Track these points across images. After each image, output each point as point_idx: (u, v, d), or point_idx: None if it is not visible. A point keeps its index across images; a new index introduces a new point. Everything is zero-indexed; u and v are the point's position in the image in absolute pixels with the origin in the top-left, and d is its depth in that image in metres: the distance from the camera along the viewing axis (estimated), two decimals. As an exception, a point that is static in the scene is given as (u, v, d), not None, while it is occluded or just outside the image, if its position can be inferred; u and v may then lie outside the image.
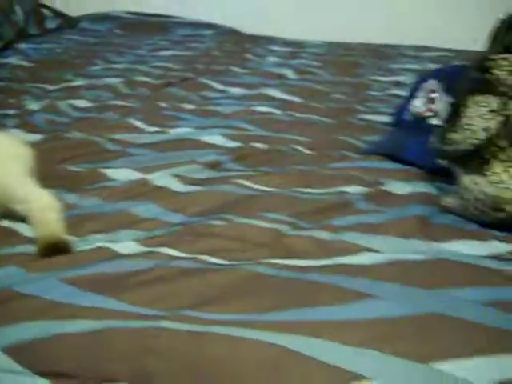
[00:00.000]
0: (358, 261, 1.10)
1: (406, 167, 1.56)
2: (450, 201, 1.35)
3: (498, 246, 1.18)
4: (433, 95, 1.71)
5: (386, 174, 1.50)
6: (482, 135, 1.27)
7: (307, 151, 1.71)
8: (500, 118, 1.27)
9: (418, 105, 1.73)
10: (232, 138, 1.77)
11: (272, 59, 2.95)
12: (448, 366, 0.85)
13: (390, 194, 1.39)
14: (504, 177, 1.28)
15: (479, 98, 1.34)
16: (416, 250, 1.14)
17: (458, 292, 0.99)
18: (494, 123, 1.26)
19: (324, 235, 1.20)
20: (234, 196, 1.38)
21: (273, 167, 1.58)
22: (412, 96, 1.77)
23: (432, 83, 1.74)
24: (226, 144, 1.75)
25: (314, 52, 3.12)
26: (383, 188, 1.42)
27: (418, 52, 3.09)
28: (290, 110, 2.09)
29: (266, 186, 1.42)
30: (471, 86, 1.38)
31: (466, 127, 1.31)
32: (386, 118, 1.94)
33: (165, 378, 0.87)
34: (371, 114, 2.06)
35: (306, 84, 2.49)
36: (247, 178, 1.48)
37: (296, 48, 3.23)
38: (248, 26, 3.62)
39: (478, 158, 1.32)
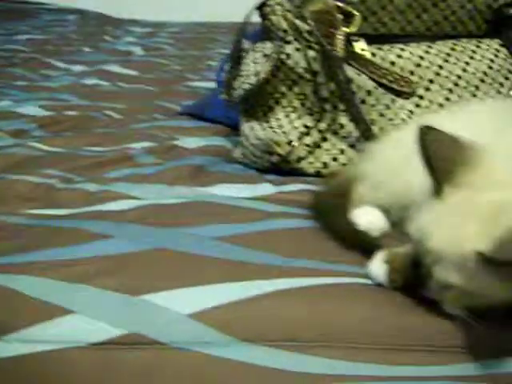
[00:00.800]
0: (115, 207, 1.07)
1: (210, 125, 1.53)
2: (236, 151, 1.33)
3: (266, 189, 1.15)
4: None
5: (185, 132, 1.48)
6: (253, 79, 1.24)
7: (118, 116, 1.65)
8: (272, 63, 1.24)
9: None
10: (47, 108, 1.72)
11: (127, 39, 2.89)
12: (157, 297, 0.82)
13: (178, 148, 1.37)
14: (284, 122, 1.26)
15: (258, 44, 1.31)
16: (176, 195, 1.10)
17: (197, 229, 0.96)
18: (265, 67, 1.24)
19: (93, 187, 1.16)
20: (20, 157, 1.32)
21: (76, 131, 1.52)
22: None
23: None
24: (38, 114, 1.68)
25: (171, 31, 3.08)
26: (174, 143, 1.39)
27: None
28: (120, 82, 2.03)
29: (54, 147, 1.38)
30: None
31: (242, 73, 1.28)
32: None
33: None
34: (201, 81, 2.03)
35: (150, 59, 2.46)
36: (42, 141, 1.42)
37: (156, 29, 3.18)
38: (118, 11, 3.54)
39: (262, 106, 1.29)
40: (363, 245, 0.92)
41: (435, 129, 0.79)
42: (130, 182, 1.19)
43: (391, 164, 1.01)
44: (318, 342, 0.79)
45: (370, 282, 0.85)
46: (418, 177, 0.84)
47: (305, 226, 0.99)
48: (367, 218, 0.97)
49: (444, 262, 0.74)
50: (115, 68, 2.27)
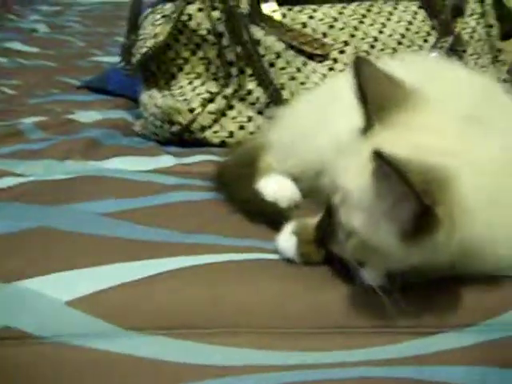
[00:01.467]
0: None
1: (111, 98, 1.41)
2: (137, 123, 1.20)
3: (166, 161, 1.03)
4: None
5: (82, 106, 1.35)
6: (151, 42, 1.12)
7: (12, 92, 1.51)
8: (172, 24, 1.11)
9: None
10: None
11: (33, 17, 2.72)
12: (33, 283, 0.71)
13: (73, 122, 1.24)
14: (187, 89, 1.14)
15: (158, 6, 1.19)
16: (66, 170, 0.98)
17: (84, 206, 0.85)
18: (164, 29, 1.11)
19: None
20: None
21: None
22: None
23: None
24: None
25: (80, 10, 2.92)
26: (69, 117, 1.26)
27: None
28: (19, 58, 1.89)
29: None
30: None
31: (141, 38, 1.16)
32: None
33: None
34: (106, 56, 1.89)
35: (54, 36, 2.30)
36: None
37: (64, 7, 3.02)
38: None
39: (164, 74, 1.17)
40: (271, 217, 0.81)
41: (370, 61, 0.71)
42: (17, 158, 1.06)
43: (301, 129, 0.91)
44: (219, 328, 0.68)
45: (278, 257, 0.74)
46: (330, 141, 0.75)
47: (207, 198, 0.88)
48: (275, 188, 0.87)
49: (349, 200, 0.65)
50: (17, 45, 2.12)
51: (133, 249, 0.75)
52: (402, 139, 0.66)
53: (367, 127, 0.68)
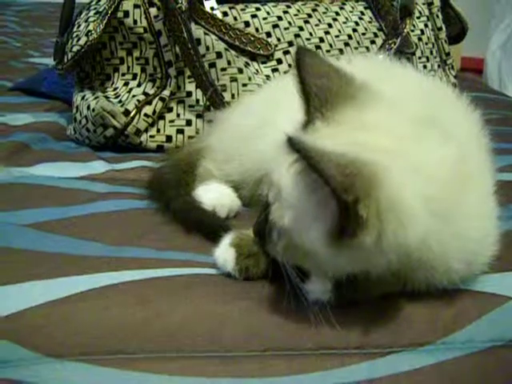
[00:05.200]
0: None
1: (44, 100, 1.32)
2: (70, 127, 1.12)
3: (97, 167, 0.95)
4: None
5: (13, 108, 1.26)
6: (84, 40, 1.04)
7: None
8: (105, 20, 1.04)
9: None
10: None
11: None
12: None
13: (2, 125, 1.14)
14: (122, 90, 1.07)
15: (92, 2, 1.12)
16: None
17: (4, 216, 0.76)
18: (97, 26, 1.04)
19: None
20: None
21: None
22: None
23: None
24: None
25: (18, 10, 2.82)
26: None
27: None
28: None
29: None
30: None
31: (74, 36, 1.08)
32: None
33: None
34: (42, 57, 1.80)
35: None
36: None
37: (2, 7, 2.91)
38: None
39: (99, 75, 1.10)
40: (208, 227, 0.74)
41: (314, 52, 0.66)
42: None
43: (240, 133, 0.84)
44: (148, 354, 0.60)
45: (216, 271, 0.68)
46: (270, 145, 0.66)
47: (138, 207, 0.81)
48: (214, 196, 0.80)
49: (281, 197, 0.60)
50: None
51: (57, 264, 0.68)
52: (342, 136, 0.60)
53: (308, 122, 0.62)
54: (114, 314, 0.63)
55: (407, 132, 0.62)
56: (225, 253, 0.68)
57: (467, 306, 0.65)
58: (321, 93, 0.63)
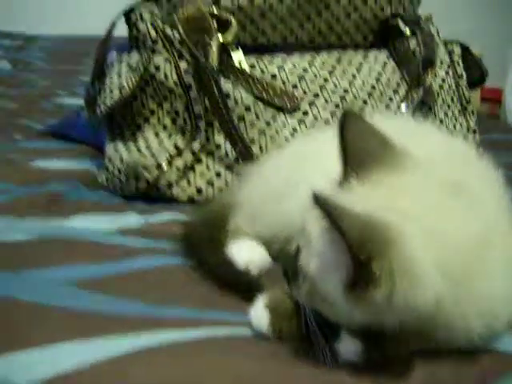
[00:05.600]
0: None
1: (75, 146, 1.36)
2: (102, 175, 1.16)
3: (132, 220, 0.99)
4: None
5: (44, 154, 1.30)
6: (117, 95, 1.09)
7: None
8: (138, 75, 1.08)
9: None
10: None
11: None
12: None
13: (33, 172, 1.18)
14: (153, 142, 1.11)
15: (124, 55, 1.16)
16: (26, 229, 0.93)
17: (46, 273, 0.81)
18: (130, 80, 1.08)
19: None
20: None
21: None
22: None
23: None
24: None
25: (43, 45, 2.87)
26: (30, 167, 1.21)
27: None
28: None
29: None
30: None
31: (106, 88, 1.12)
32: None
33: None
34: (70, 97, 1.85)
35: (16, 74, 2.24)
36: None
37: (27, 42, 2.96)
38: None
39: (130, 125, 1.14)
40: (242, 286, 0.77)
41: (359, 115, 0.71)
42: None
43: (270, 191, 0.88)
44: None
45: (251, 332, 0.71)
46: (300, 204, 0.70)
47: (174, 263, 0.85)
48: (246, 254, 0.83)
49: (310, 244, 0.65)
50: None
51: (94, 323, 0.71)
52: (370, 197, 0.64)
53: (343, 180, 0.67)
54: (152, 378, 0.65)
55: (432, 197, 0.66)
56: (259, 314, 0.71)
57: (489, 366, 0.67)
58: (359, 154, 0.68)
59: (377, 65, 1.27)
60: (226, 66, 1.12)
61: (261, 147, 1.10)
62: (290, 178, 0.88)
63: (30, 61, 2.53)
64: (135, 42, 1.17)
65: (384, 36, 1.32)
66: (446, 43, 1.36)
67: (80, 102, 1.61)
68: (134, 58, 1.13)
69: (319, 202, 0.60)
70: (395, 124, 0.90)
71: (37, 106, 1.78)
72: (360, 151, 0.68)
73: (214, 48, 1.07)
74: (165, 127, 1.13)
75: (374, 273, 0.59)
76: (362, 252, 0.59)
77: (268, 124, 1.11)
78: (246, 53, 1.16)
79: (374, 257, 0.59)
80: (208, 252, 0.85)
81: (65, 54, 2.69)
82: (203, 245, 0.87)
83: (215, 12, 1.11)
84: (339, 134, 0.68)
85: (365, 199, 0.64)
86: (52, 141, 1.43)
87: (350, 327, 0.65)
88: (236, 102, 1.10)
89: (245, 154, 1.07)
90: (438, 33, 1.34)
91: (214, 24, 1.10)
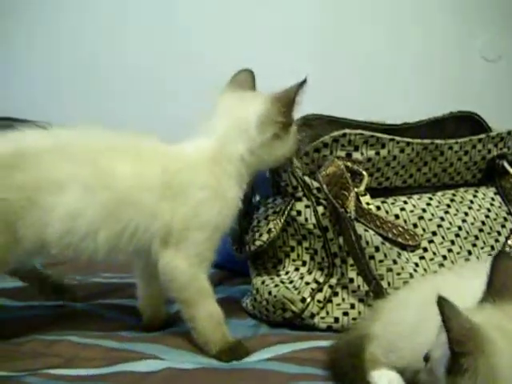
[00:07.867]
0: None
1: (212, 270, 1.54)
2: (247, 302, 1.36)
3: (279, 347, 1.18)
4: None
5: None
6: (265, 237, 1.29)
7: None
8: (283, 220, 1.29)
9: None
10: None
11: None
12: None
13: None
14: (295, 277, 1.30)
15: (269, 200, 1.37)
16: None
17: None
18: (277, 225, 1.29)
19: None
20: None
21: None
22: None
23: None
24: None
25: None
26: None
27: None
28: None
29: None
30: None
31: (253, 229, 1.33)
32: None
33: None
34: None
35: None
36: None
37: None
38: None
39: (272, 258, 1.34)
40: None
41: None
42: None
43: (399, 327, 1.04)
44: None
45: None
46: (427, 342, 0.88)
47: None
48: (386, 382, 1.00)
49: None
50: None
51: None
52: (492, 316, 0.82)
53: (480, 303, 0.85)
54: None
55: None
56: None
57: None
58: (502, 286, 0.85)
59: (485, 201, 1.44)
60: (356, 209, 1.30)
61: (388, 282, 1.28)
62: (418, 317, 1.04)
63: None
64: (276, 187, 1.36)
65: (490, 174, 1.49)
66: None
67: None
68: (278, 203, 1.33)
69: (440, 301, 0.77)
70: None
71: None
72: (504, 284, 0.85)
73: (350, 198, 1.27)
74: (304, 263, 1.32)
75: (462, 365, 0.75)
76: (457, 346, 0.75)
77: (395, 262, 1.29)
78: (370, 195, 1.34)
79: (465, 354, 0.76)
80: (354, 379, 1.02)
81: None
82: (348, 373, 1.04)
83: (349, 165, 1.30)
84: (491, 266, 0.86)
85: (485, 316, 0.81)
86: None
87: None
88: (367, 242, 1.28)
89: (376, 288, 1.25)
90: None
91: (349, 177, 1.28)
